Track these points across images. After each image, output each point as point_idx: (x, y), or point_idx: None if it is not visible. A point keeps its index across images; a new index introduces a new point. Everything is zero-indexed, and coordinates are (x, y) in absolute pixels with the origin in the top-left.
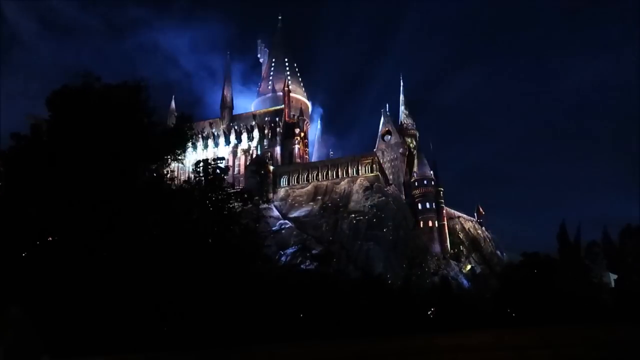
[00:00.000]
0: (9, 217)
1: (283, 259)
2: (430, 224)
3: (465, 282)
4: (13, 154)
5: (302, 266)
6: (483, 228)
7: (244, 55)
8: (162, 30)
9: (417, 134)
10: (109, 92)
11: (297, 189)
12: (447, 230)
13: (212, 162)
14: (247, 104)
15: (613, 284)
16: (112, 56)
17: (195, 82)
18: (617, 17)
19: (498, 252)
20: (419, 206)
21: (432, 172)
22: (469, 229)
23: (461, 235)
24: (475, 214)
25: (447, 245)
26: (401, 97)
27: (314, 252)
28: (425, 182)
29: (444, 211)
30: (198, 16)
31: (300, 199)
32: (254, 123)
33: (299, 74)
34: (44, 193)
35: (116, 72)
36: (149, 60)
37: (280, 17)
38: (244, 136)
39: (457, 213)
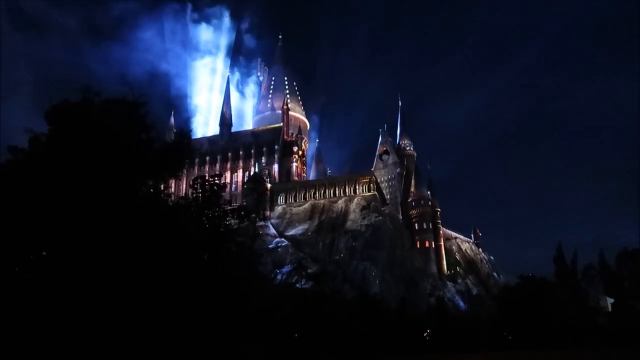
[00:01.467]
0: (4, 231)
1: (279, 277)
2: (427, 244)
3: (461, 303)
4: (10, 168)
5: (297, 285)
6: (480, 249)
7: (243, 68)
8: (151, 30)
9: (415, 155)
10: (108, 107)
11: (294, 207)
12: (443, 251)
13: (210, 179)
14: (245, 118)
15: (609, 308)
16: (94, 55)
17: (188, 82)
18: (611, 42)
19: (494, 274)
20: (416, 226)
21: (429, 192)
22: (465, 250)
23: (458, 256)
24: (472, 235)
25: (443, 266)
26: (399, 118)
27: (309, 271)
28: (422, 202)
29: (441, 232)
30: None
31: (297, 217)
32: (252, 141)
33: (298, 93)
34: (40, 207)
35: (99, 72)
36: (137, 59)
37: (280, 37)
38: (242, 153)
39: (454, 234)
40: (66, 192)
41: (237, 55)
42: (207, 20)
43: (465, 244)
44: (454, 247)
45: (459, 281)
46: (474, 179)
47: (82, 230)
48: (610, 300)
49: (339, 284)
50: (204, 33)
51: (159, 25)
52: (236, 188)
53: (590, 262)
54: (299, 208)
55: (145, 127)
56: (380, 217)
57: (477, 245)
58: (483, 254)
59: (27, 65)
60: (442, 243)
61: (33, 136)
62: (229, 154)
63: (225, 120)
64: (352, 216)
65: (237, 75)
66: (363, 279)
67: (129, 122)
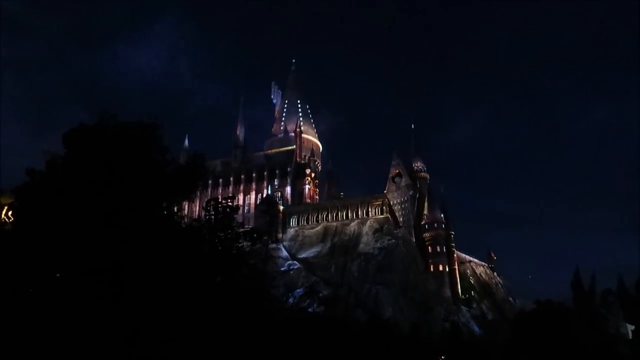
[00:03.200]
0: (19, 253)
1: (291, 300)
2: (440, 267)
3: (476, 328)
4: (27, 190)
5: (309, 309)
6: (495, 273)
7: (256, 91)
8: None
9: (428, 177)
10: (124, 130)
11: (307, 229)
12: (457, 275)
13: (223, 201)
14: (258, 141)
15: (630, 335)
16: (84, 63)
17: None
18: (622, 66)
19: (510, 299)
20: (429, 249)
21: (442, 215)
22: (480, 273)
23: (472, 280)
24: (486, 259)
25: (458, 290)
26: (412, 139)
27: (322, 294)
28: (435, 225)
29: (455, 255)
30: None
31: (310, 239)
32: (265, 163)
33: (310, 115)
34: (55, 229)
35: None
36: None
37: (294, 61)
38: (255, 176)
39: (468, 257)
40: (81, 214)
41: (251, 79)
42: (217, 40)
43: (480, 267)
44: (468, 270)
45: (473, 306)
46: (488, 202)
47: (96, 252)
48: (630, 327)
49: (351, 307)
50: (212, 47)
51: (161, 33)
52: (249, 210)
53: (608, 287)
54: (311, 230)
55: (160, 149)
56: (393, 240)
57: (492, 269)
58: (498, 278)
59: (13, 70)
60: (456, 267)
61: (50, 158)
62: (242, 176)
63: (238, 143)
64: (364, 239)
65: (250, 97)
66: (376, 303)
67: (144, 145)
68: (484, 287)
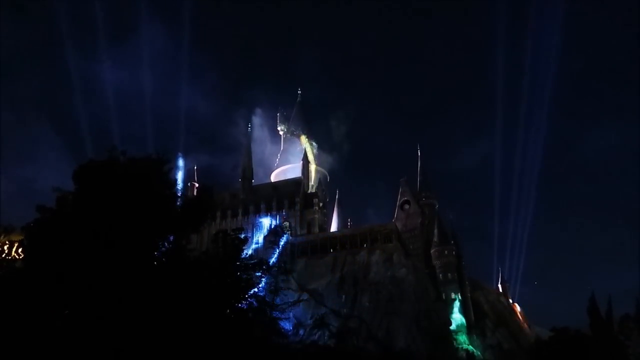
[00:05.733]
0: (29, 290)
1: (301, 332)
2: (452, 295)
3: (492, 358)
4: (37, 227)
5: (320, 342)
6: (509, 300)
7: (263, 120)
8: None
9: (436, 204)
10: (133, 165)
11: (316, 259)
12: (470, 303)
13: (231, 233)
14: (265, 171)
15: None
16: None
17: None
18: (631, 88)
19: (526, 326)
20: (441, 277)
21: (452, 242)
22: (493, 301)
23: (486, 308)
24: (499, 285)
25: (471, 319)
26: (419, 167)
27: (332, 326)
28: (445, 252)
29: (467, 282)
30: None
31: (319, 270)
32: (273, 194)
33: (318, 145)
34: (65, 267)
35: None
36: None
37: (299, 92)
38: (263, 207)
39: (481, 284)
40: (91, 250)
41: (257, 108)
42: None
43: (493, 294)
44: (481, 298)
45: (488, 334)
46: (499, 227)
47: (106, 288)
48: None
49: (362, 340)
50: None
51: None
52: (257, 241)
53: (626, 312)
54: (320, 261)
55: (168, 183)
56: (404, 269)
57: (506, 295)
58: (513, 305)
59: None
60: (468, 294)
61: (60, 195)
62: (250, 207)
63: (246, 174)
64: (374, 268)
65: (257, 128)
66: (387, 334)
67: (152, 179)
68: (498, 315)
